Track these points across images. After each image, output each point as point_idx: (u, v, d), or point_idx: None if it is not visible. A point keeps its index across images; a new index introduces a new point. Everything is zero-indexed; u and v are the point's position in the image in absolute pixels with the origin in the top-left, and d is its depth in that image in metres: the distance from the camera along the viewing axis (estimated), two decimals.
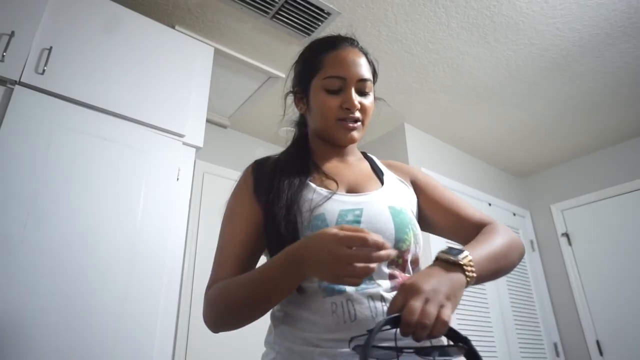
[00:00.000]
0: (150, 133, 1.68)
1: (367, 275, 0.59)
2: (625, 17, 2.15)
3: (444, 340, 0.64)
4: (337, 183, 0.84)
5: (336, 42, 0.89)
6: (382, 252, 0.59)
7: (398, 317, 0.55)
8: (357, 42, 0.91)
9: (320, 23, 2.13)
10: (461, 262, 0.64)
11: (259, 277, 0.70)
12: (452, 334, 0.57)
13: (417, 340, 0.54)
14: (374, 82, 0.92)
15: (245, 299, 0.71)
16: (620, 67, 2.50)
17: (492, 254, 0.72)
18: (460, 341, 0.56)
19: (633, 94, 2.73)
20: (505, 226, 0.83)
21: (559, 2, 2.07)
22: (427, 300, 0.56)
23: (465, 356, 0.57)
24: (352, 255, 0.58)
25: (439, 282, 0.59)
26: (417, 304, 0.55)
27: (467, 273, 0.63)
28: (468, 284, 0.64)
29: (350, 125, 0.85)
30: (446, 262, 0.64)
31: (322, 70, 0.86)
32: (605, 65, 2.49)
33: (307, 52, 0.93)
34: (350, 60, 0.85)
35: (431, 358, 0.58)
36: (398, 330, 0.55)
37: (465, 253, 0.65)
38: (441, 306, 0.56)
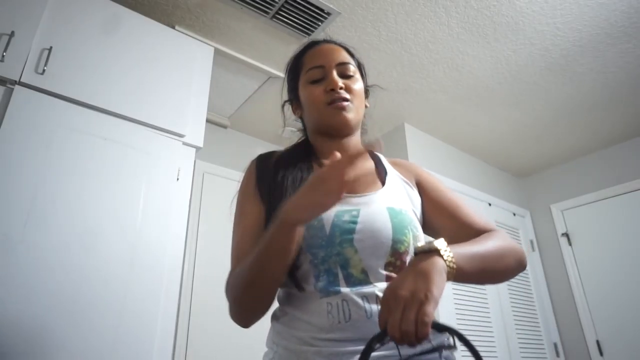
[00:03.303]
0: (151, 133, 1.68)
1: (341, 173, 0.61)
2: (625, 17, 2.15)
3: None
4: None
5: (313, 42, 0.95)
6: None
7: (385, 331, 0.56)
8: (335, 41, 0.95)
9: (320, 23, 2.13)
10: (437, 247, 0.62)
11: (257, 248, 0.70)
12: (437, 327, 0.57)
13: (411, 346, 0.54)
14: (363, 72, 0.95)
15: (251, 271, 0.70)
16: (621, 67, 2.50)
17: (477, 251, 0.71)
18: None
19: (633, 94, 2.73)
20: (507, 236, 0.82)
21: (559, 2, 2.07)
22: (405, 307, 0.55)
23: (461, 341, 0.58)
24: (328, 167, 0.62)
25: (415, 281, 0.58)
26: (396, 316, 0.55)
27: (444, 257, 0.62)
28: (450, 272, 0.62)
29: (340, 104, 0.84)
30: (423, 253, 0.63)
31: (303, 68, 0.91)
32: (606, 66, 2.49)
33: (291, 61, 0.97)
34: (326, 50, 0.90)
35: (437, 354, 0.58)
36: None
37: (441, 240, 0.64)
38: (420, 304, 0.55)
